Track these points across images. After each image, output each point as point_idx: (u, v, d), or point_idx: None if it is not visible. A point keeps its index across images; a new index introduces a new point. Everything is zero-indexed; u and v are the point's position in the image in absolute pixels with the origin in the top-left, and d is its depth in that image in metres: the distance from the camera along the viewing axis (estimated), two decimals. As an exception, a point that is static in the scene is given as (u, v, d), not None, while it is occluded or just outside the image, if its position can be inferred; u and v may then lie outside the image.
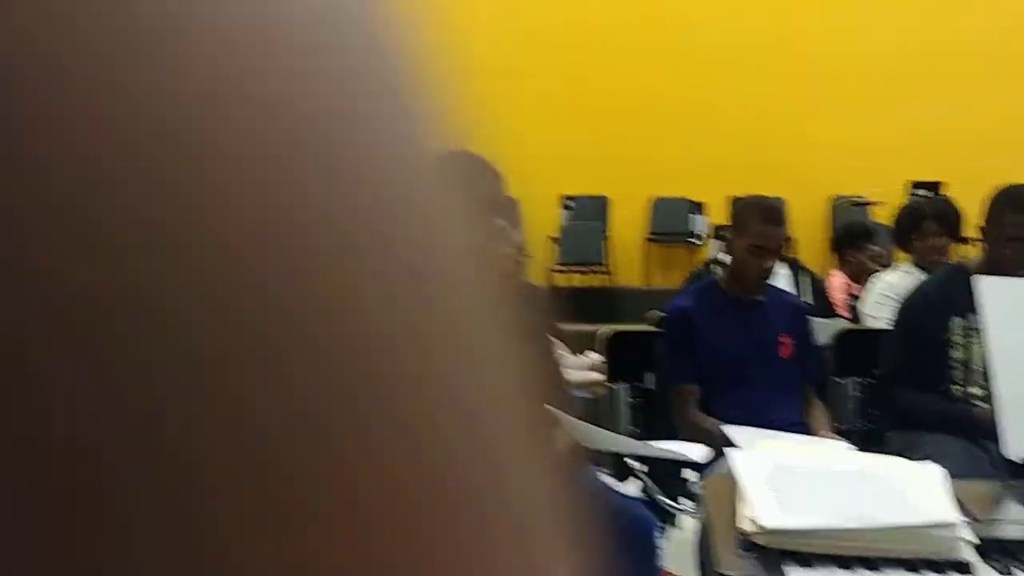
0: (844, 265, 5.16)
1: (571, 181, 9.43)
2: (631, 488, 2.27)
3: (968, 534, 1.29)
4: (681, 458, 2.12)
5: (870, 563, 1.26)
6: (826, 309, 3.95)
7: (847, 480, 1.44)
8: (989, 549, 1.30)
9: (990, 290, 1.78)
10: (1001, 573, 1.26)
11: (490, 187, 2.30)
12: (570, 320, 5.74)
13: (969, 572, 1.26)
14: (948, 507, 1.35)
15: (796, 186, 8.73)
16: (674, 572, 3.37)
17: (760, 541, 1.27)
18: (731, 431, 2.50)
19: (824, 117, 9.17)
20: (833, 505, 1.34)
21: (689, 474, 2.97)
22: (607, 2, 9.57)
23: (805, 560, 1.26)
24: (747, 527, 1.30)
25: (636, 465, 3.01)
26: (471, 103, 0.17)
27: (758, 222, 2.85)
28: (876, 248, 5.11)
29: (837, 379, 3.17)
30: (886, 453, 2.16)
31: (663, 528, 2.16)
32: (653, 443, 2.32)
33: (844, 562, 1.26)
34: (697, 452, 2.15)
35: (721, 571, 1.23)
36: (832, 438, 2.69)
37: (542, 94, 9.47)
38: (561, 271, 9.00)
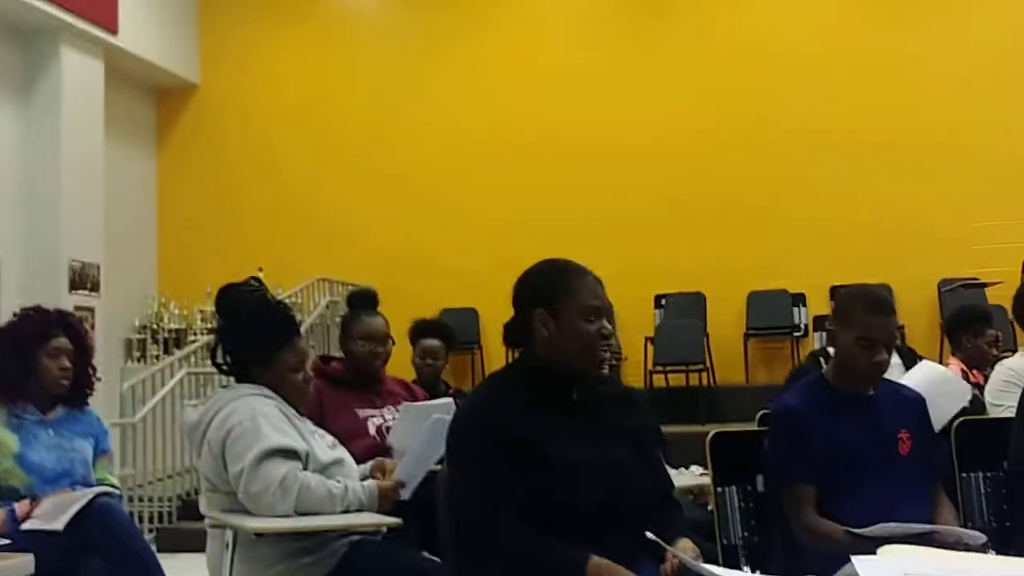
0: (960, 351, 4.93)
1: (665, 279, 9.36)
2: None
3: None
4: None
5: None
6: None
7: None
8: None
9: None
10: None
11: (594, 293, 2.27)
12: (670, 421, 5.60)
13: None
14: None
15: (901, 271, 8.50)
16: None
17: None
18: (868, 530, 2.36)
19: (928, 198, 8.95)
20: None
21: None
22: (698, 100, 9.62)
23: None
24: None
25: (752, 573, 2.87)
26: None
27: (864, 313, 2.72)
28: (994, 332, 4.88)
29: (963, 474, 2.98)
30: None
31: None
32: None
33: None
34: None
35: None
36: (967, 533, 2.50)
37: (634, 194, 9.51)
38: (659, 371, 8.85)
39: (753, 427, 3.27)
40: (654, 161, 9.57)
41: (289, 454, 2.67)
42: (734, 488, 2.96)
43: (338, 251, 9.91)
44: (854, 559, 1.43)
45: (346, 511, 2.68)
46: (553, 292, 2.23)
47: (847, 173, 9.14)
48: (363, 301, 3.74)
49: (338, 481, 2.71)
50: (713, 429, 3.06)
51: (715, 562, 2.80)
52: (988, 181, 8.87)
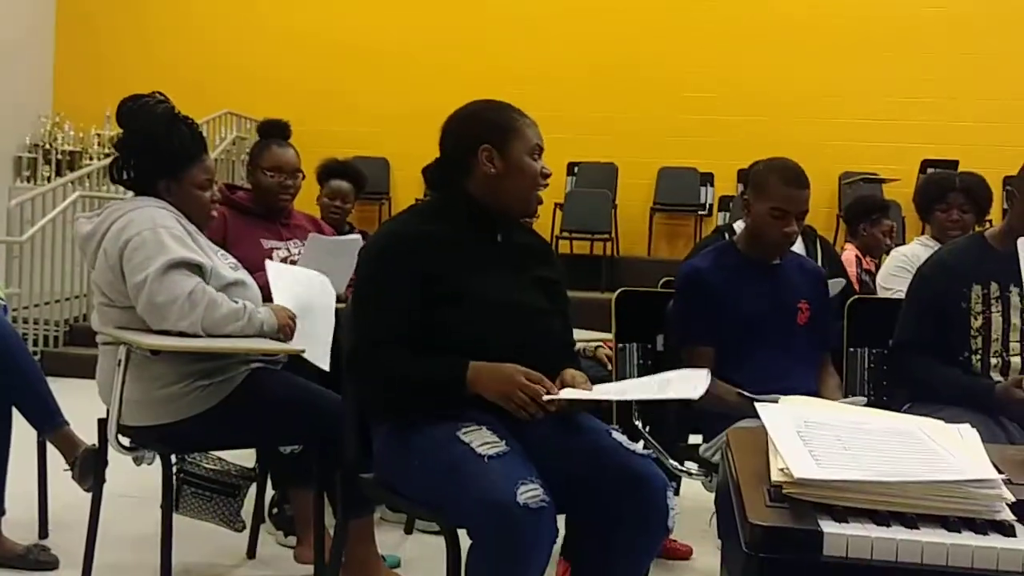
0: (856, 238, 5.09)
1: (579, 147, 9.34)
2: (643, 450, 2.20)
3: (1007, 493, 1.23)
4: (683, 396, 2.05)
5: (907, 520, 1.19)
6: (847, 281, 3.88)
7: (881, 436, 1.38)
8: (1025, 512, 1.24)
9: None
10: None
11: (537, 132, 2.26)
12: (573, 288, 5.68)
13: (1011, 533, 1.19)
14: (988, 466, 1.28)
15: (805, 161, 8.60)
16: (676, 538, 3.34)
17: (793, 493, 1.20)
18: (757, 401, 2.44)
19: (836, 94, 9.07)
20: (869, 460, 1.27)
21: (696, 439, 2.92)
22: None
23: (839, 514, 1.19)
24: (779, 478, 1.23)
25: (645, 431, 2.96)
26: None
27: (780, 185, 2.76)
28: (890, 222, 5.04)
29: (851, 349, 3.10)
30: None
31: (673, 489, 2.09)
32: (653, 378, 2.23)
33: (880, 518, 1.19)
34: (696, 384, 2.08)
35: (752, 521, 1.16)
36: (851, 399, 2.62)
37: (554, 60, 9.38)
38: (565, 238, 8.93)
39: (660, 290, 3.33)
40: (582, 25, 9.42)
41: (193, 268, 2.59)
42: (635, 345, 3.03)
43: (248, 87, 9.56)
44: (759, 407, 1.47)
45: (245, 336, 2.64)
46: (501, 129, 2.20)
47: (770, 60, 9.17)
48: (274, 131, 3.61)
49: (236, 302, 2.65)
50: (620, 288, 3.11)
51: (608, 417, 2.89)
52: (892, 81, 9.02)
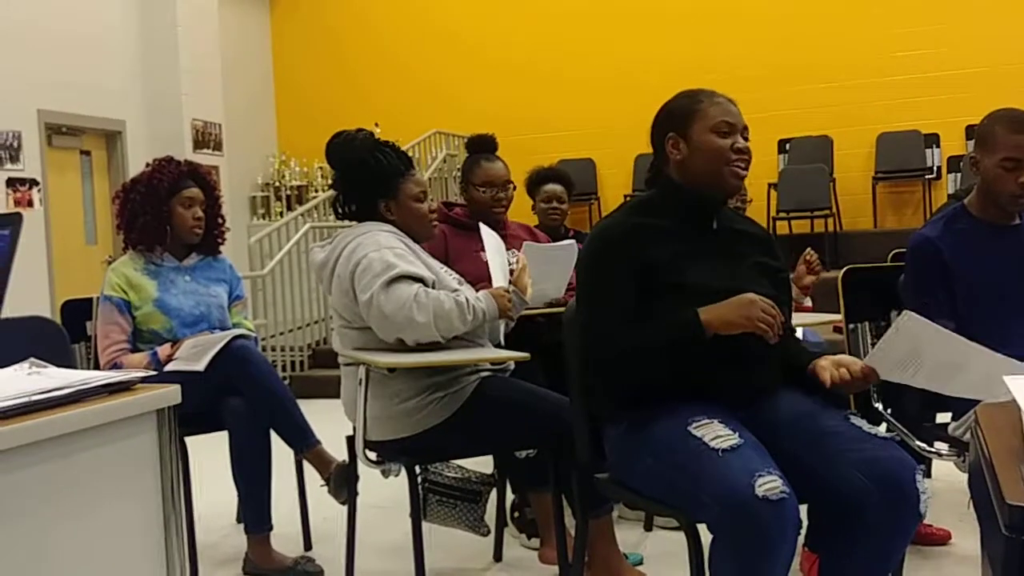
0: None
1: (789, 124, 9.04)
2: (885, 433, 2.10)
3: None
4: None
5: None
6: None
7: None
8: None
9: None
10: None
11: (724, 109, 2.23)
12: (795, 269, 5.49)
13: None
14: None
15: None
16: (931, 523, 3.16)
17: (1057, 471, 1.12)
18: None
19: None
20: None
21: (944, 417, 2.76)
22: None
23: (1111, 491, 1.09)
24: (1040, 456, 1.15)
25: (885, 411, 2.82)
26: None
27: (1008, 132, 2.57)
28: None
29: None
30: None
31: (923, 472, 1.98)
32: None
33: None
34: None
35: (1010, 502, 1.08)
36: None
37: (755, 42, 9.14)
38: (782, 218, 8.65)
39: (891, 264, 3.17)
40: (776, 5, 9.13)
41: (416, 279, 2.70)
42: (866, 325, 2.90)
43: (451, 109, 9.88)
44: (1008, 379, 1.37)
45: (468, 335, 2.72)
46: (683, 114, 2.21)
47: (979, 9, 8.54)
48: (482, 146, 3.71)
49: (458, 296, 2.73)
50: (846, 265, 2.99)
51: (846, 402, 2.77)
52: None
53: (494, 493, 3.13)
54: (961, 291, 2.60)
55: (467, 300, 2.71)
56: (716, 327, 2.03)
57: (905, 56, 8.76)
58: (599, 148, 9.25)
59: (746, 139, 2.21)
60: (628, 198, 6.65)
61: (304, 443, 3.22)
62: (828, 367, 2.08)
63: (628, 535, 3.33)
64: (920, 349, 1.94)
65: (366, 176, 2.88)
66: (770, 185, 8.68)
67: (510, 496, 3.45)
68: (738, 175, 2.18)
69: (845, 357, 2.11)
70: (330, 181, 3.18)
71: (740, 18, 9.24)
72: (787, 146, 9.17)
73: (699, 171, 2.19)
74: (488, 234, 3.09)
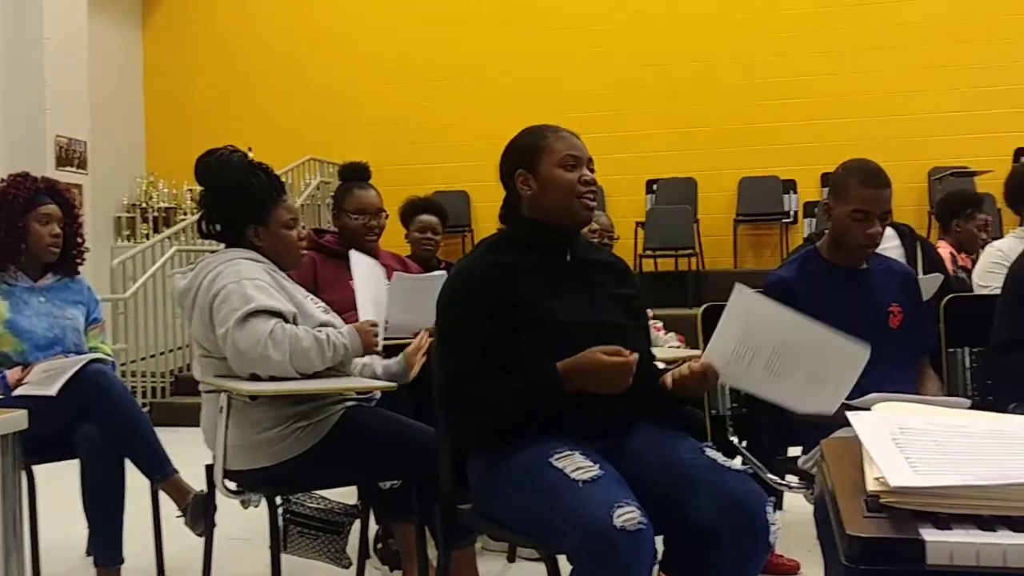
0: (949, 236, 4.96)
1: (657, 165, 9.32)
2: (738, 465, 2.18)
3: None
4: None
5: (1014, 523, 1.16)
6: (945, 278, 3.78)
7: (981, 437, 1.34)
8: None
9: None
10: None
11: (570, 143, 2.28)
12: (659, 305, 5.65)
13: None
14: (1097, 464, 1.24)
15: (892, 160, 8.42)
16: (782, 554, 3.28)
17: (891, 502, 1.19)
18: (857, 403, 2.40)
19: (921, 88, 8.86)
20: (968, 463, 1.24)
21: (796, 451, 2.88)
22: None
23: (941, 521, 1.17)
24: (875, 488, 1.21)
25: (740, 443, 2.93)
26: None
27: (860, 186, 2.72)
28: (984, 216, 4.90)
29: (950, 349, 3.02)
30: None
31: (774, 504, 2.06)
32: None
33: (985, 522, 1.16)
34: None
35: (850, 533, 1.14)
36: (951, 400, 2.55)
37: (625, 82, 9.38)
38: (648, 256, 8.89)
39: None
40: (649, 46, 9.42)
41: (274, 314, 2.66)
42: (724, 361, 2.99)
43: (330, 132, 9.80)
44: (851, 416, 1.44)
45: (333, 365, 2.69)
46: (530, 151, 2.27)
47: (840, 62, 9.02)
48: (355, 174, 3.70)
49: (319, 331, 2.70)
50: (705, 303, 3.09)
51: (703, 435, 2.86)
52: (977, 71, 8.77)
53: (357, 524, 3.10)
54: (812, 330, 2.72)
55: (327, 337, 2.68)
56: (573, 388, 2.06)
57: (767, 104, 9.14)
58: (474, 180, 9.32)
59: (592, 171, 2.27)
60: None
61: (161, 472, 3.13)
62: (670, 373, 2.16)
63: (492, 566, 3.34)
64: (753, 328, 2.02)
65: (237, 199, 2.82)
66: (638, 224, 8.91)
67: (374, 527, 3.42)
68: (587, 206, 2.24)
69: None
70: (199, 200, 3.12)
71: (612, 59, 9.48)
72: (655, 186, 9.44)
73: (550, 205, 2.24)
74: (359, 261, 3.07)
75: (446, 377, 2.19)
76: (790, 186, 9.17)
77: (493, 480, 2.14)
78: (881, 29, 9.00)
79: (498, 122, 8.90)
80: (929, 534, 1.14)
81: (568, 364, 2.06)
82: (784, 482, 2.80)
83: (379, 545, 3.43)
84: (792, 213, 9.14)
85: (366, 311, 2.87)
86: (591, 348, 2.05)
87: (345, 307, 3.19)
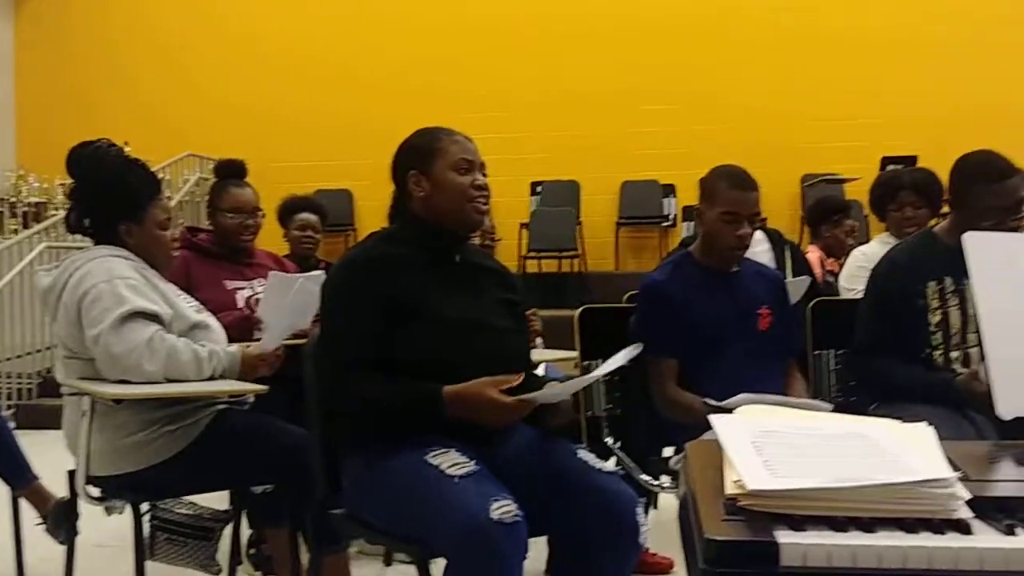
0: (819, 240, 5.13)
1: (541, 167, 9.39)
2: (610, 467, 2.22)
3: (963, 491, 1.24)
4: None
5: (864, 524, 1.20)
6: (813, 282, 3.91)
7: (836, 441, 1.38)
8: (985, 508, 1.25)
9: (977, 246, 1.72)
10: (1001, 532, 1.20)
11: (464, 147, 2.29)
12: (542, 305, 5.68)
13: (968, 531, 1.20)
14: (943, 464, 1.30)
15: (767, 167, 8.69)
16: (655, 551, 3.34)
17: (748, 504, 1.21)
18: (725, 404, 2.47)
19: (794, 96, 9.16)
20: (823, 466, 1.28)
21: (669, 451, 2.93)
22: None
23: (796, 523, 1.20)
24: (734, 491, 1.24)
25: (615, 444, 2.97)
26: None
27: (728, 188, 2.79)
28: (851, 222, 5.08)
29: (816, 352, 3.12)
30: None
31: (645, 504, 2.10)
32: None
33: (837, 524, 1.20)
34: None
35: (708, 536, 1.16)
36: (814, 403, 2.64)
37: (511, 83, 9.42)
38: (532, 257, 8.96)
39: (623, 305, 3.33)
40: (533, 46, 9.48)
41: (151, 317, 2.57)
42: (600, 361, 3.03)
43: (211, 127, 9.55)
44: (712, 419, 1.47)
45: (212, 377, 2.62)
46: (424, 152, 2.27)
47: (719, 69, 9.25)
48: (231, 171, 3.61)
49: (203, 345, 2.63)
50: (583, 305, 3.12)
51: (577, 439, 2.89)
52: (847, 82, 9.11)
53: (229, 529, 3.02)
54: (684, 331, 2.78)
55: (208, 356, 2.61)
56: (455, 416, 2.04)
57: (648, 110, 9.31)
58: (357, 179, 9.22)
59: (484, 175, 2.29)
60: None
61: (20, 479, 3.00)
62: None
63: (367, 571, 3.30)
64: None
65: (111, 195, 2.71)
66: (522, 225, 8.96)
67: (246, 532, 3.34)
68: (479, 210, 2.25)
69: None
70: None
71: (500, 61, 9.50)
72: (539, 188, 9.51)
73: (442, 208, 2.24)
74: (278, 283, 3.01)
75: (331, 366, 2.15)
76: (669, 190, 9.36)
77: (368, 482, 2.12)
78: (758, 38, 9.26)
79: (384, 121, 8.86)
80: (784, 536, 1.17)
81: (455, 394, 2.04)
82: (657, 482, 2.85)
83: (252, 551, 3.36)
84: (671, 217, 9.34)
85: (271, 338, 2.81)
86: (482, 380, 2.03)
87: (220, 306, 3.12)
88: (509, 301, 2.34)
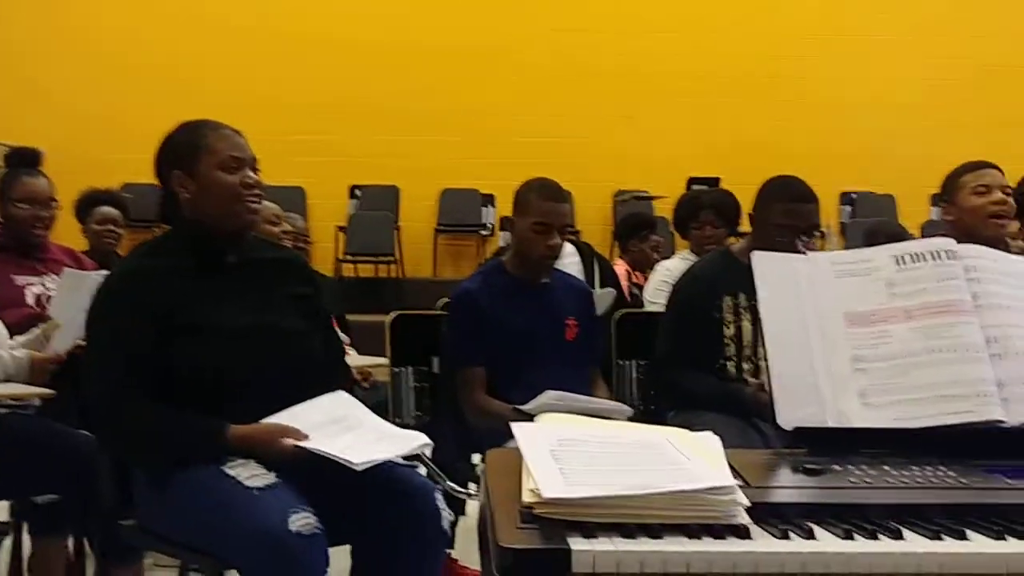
0: (627, 255, 5.31)
1: (361, 170, 9.30)
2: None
3: (742, 498, 1.30)
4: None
5: (652, 530, 1.24)
6: (619, 294, 4.05)
7: (629, 450, 1.43)
8: (764, 514, 1.32)
9: (763, 265, 1.81)
10: (775, 537, 1.27)
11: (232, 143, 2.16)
12: (358, 311, 5.63)
13: (747, 536, 1.26)
14: (725, 472, 1.36)
15: (581, 181, 8.96)
16: (458, 559, 3.35)
17: (542, 512, 1.23)
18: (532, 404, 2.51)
19: (608, 118, 9.46)
20: (616, 474, 1.32)
21: (477, 459, 2.95)
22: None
23: (589, 530, 1.23)
24: (530, 499, 1.26)
25: (423, 453, 2.96)
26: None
27: (539, 200, 2.85)
28: (657, 238, 5.29)
29: (619, 361, 3.23)
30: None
31: (443, 493, 2.11)
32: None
33: (627, 531, 1.24)
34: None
35: (502, 544, 1.17)
36: (617, 407, 2.73)
37: (334, 83, 9.29)
38: (348, 261, 8.86)
39: (433, 311, 3.35)
40: (354, 52, 9.38)
41: None
42: (410, 369, 3.03)
43: (9, 113, 8.93)
44: (513, 426, 1.49)
45: None
46: (187, 150, 2.13)
47: (538, 84, 9.45)
48: (24, 160, 3.40)
49: None
50: (395, 312, 3.11)
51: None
52: (661, 102, 9.51)
53: (8, 541, 2.84)
54: (495, 340, 2.82)
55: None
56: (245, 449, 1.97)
57: (469, 119, 9.39)
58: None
59: (256, 171, 2.16)
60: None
61: None
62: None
63: (161, 583, 3.17)
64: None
65: None
66: (339, 228, 8.85)
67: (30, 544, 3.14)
68: (251, 209, 2.13)
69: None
70: None
71: (321, 63, 9.33)
72: (357, 192, 9.42)
73: (211, 210, 2.11)
74: (73, 280, 2.83)
75: (101, 393, 2.02)
76: (488, 200, 9.46)
77: (159, 493, 2.03)
78: (576, 61, 9.51)
79: (194, 113, 8.55)
80: (576, 543, 1.20)
81: (241, 439, 1.96)
82: (465, 490, 2.87)
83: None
84: (490, 226, 9.44)
85: (60, 340, 2.64)
86: (270, 426, 1.97)
87: (6, 303, 2.94)
88: (302, 295, 2.23)
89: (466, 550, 3.14)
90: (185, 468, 1.98)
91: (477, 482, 2.87)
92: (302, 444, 1.94)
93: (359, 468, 1.85)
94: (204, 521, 1.92)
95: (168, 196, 2.17)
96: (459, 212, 9.41)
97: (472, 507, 3.70)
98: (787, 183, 2.86)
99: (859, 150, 9.43)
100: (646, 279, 5.08)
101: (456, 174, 9.42)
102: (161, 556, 3.34)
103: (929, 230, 7.55)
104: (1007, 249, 2.96)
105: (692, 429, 1.60)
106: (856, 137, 9.43)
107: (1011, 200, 2.83)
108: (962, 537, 1.27)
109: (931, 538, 1.26)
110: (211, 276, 2.12)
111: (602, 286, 4.10)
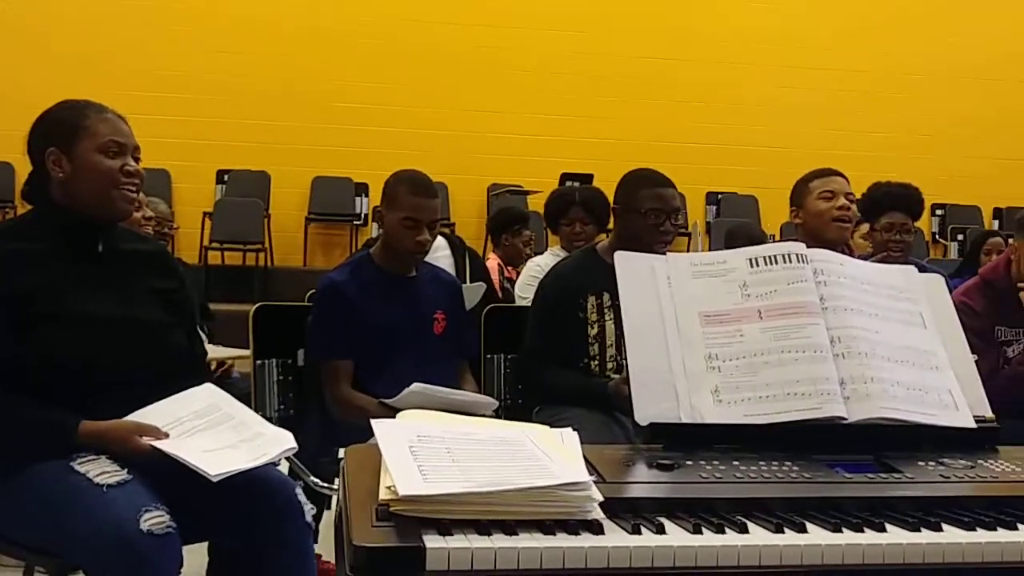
0: (499, 249, 5.34)
1: (229, 155, 9.08)
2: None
3: (596, 494, 1.32)
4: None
5: (508, 527, 1.25)
6: (489, 288, 4.07)
7: (487, 446, 1.44)
8: (616, 509, 1.34)
9: (624, 264, 1.85)
10: (627, 531, 1.30)
11: (115, 128, 2.11)
12: (224, 300, 5.51)
13: (600, 531, 1.28)
14: (581, 468, 1.38)
15: (457, 174, 8.97)
16: (322, 554, 3.30)
17: (398, 510, 1.23)
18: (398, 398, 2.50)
19: (483, 109, 9.48)
20: (473, 471, 1.33)
21: (343, 453, 2.91)
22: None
23: (445, 527, 1.23)
24: (386, 496, 1.25)
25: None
26: None
27: (408, 194, 2.83)
28: (529, 233, 5.34)
29: (488, 355, 3.24)
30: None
31: (319, 508, 2.08)
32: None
33: (483, 528, 1.24)
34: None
35: (355, 543, 1.17)
36: (482, 399, 2.74)
37: (201, 64, 9.02)
38: (215, 248, 8.64)
39: (297, 303, 3.29)
40: (228, 30, 9.15)
41: None
42: (274, 361, 2.97)
43: None
44: (373, 423, 1.49)
45: None
46: (66, 129, 2.06)
47: (417, 74, 9.40)
48: None
49: None
50: (258, 303, 3.04)
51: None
52: (534, 101, 9.59)
53: None
54: (361, 332, 2.79)
55: None
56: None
57: (344, 107, 9.28)
58: (18, 152, 8.43)
59: (137, 160, 2.11)
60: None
61: None
62: None
63: (5, 583, 3.03)
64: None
65: None
66: (205, 214, 8.62)
67: None
68: (128, 199, 2.08)
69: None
70: None
71: (191, 42, 9.06)
72: (225, 177, 9.19)
73: (85, 193, 2.05)
74: None
75: None
76: (362, 189, 9.37)
77: (5, 490, 1.94)
78: (453, 50, 9.49)
79: (62, 87, 8.18)
80: (431, 541, 1.20)
81: (95, 433, 1.90)
82: (330, 485, 2.83)
83: None
84: (363, 216, 9.35)
85: None
86: (126, 423, 1.91)
87: None
88: (165, 289, 2.18)
89: (331, 547, 3.10)
90: (31, 463, 1.90)
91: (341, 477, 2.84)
92: (158, 445, 1.89)
93: (215, 479, 1.81)
94: (50, 519, 1.85)
95: (38, 175, 2.09)
96: (332, 201, 9.29)
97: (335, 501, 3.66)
98: (649, 172, 2.97)
99: (726, 151, 9.74)
100: (518, 274, 5.13)
101: (329, 162, 9.29)
102: (4, 556, 3.20)
103: (788, 232, 7.85)
104: (849, 252, 3.15)
105: (556, 424, 1.62)
106: (724, 138, 9.73)
107: (854, 206, 3.06)
108: (802, 530, 1.32)
109: (773, 531, 1.32)
110: (77, 263, 2.05)
111: (472, 280, 4.11)
